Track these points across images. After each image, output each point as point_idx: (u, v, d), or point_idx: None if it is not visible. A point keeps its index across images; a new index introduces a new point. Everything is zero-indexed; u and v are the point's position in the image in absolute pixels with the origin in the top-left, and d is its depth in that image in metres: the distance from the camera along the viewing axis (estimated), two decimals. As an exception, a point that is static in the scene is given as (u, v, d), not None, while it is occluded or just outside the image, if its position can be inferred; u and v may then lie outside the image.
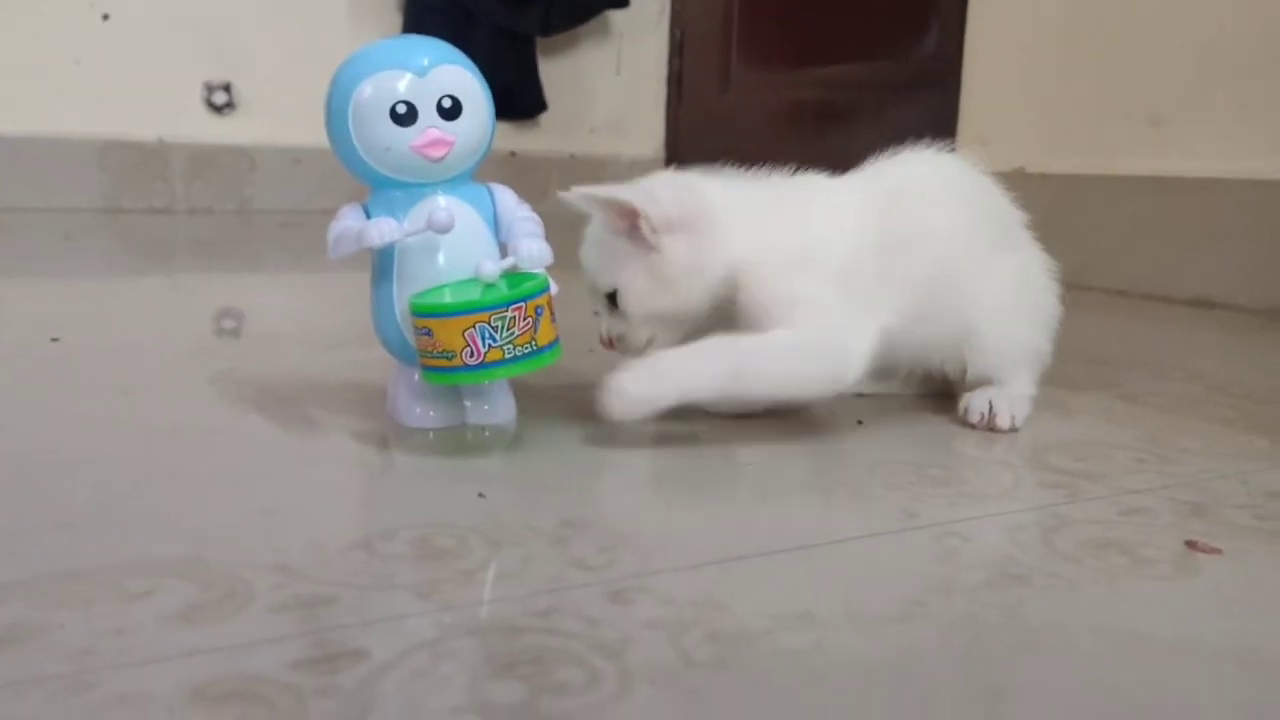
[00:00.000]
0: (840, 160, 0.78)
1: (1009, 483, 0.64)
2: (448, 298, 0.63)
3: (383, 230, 0.64)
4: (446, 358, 0.62)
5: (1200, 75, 1.51)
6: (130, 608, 0.42)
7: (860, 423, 0.76)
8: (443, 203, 0.67)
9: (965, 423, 0.76)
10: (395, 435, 0.69)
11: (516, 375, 0.63)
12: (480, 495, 0.57)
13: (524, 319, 0.62)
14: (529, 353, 0.62)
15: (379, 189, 0.69)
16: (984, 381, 0.77)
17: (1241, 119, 1.48)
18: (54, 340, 0.94)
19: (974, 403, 0.76)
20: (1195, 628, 0.45)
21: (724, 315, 0.71)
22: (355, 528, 0.53)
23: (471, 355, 0.61)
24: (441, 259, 0.67)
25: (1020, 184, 0.81)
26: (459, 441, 0.69)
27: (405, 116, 0.65)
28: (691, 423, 0.73)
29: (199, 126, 2.37)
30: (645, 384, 0.64)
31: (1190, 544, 0.54)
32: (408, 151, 0.65)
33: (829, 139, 2.27)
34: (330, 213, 0.69)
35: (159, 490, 0.58)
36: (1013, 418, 0.75)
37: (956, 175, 0.79)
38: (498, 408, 0.71)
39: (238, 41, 2.38)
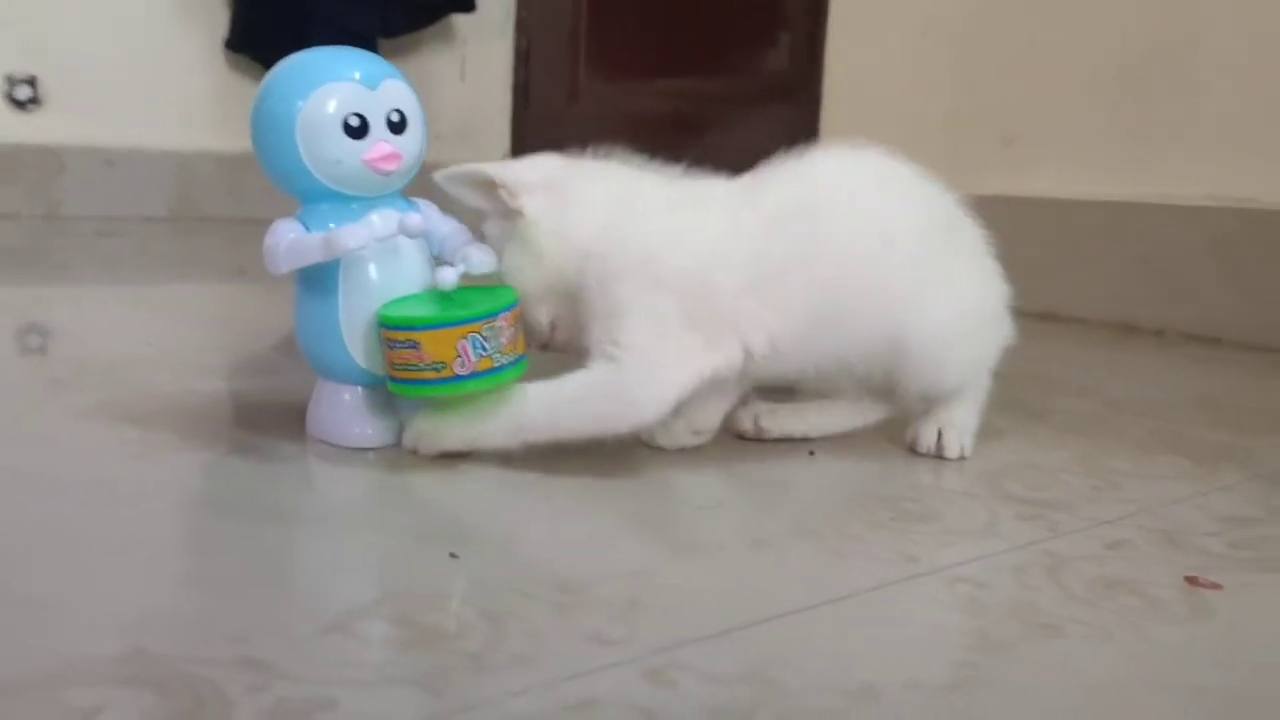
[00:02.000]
0: (689, 170, 0.74)
1: (985, 517, 0.62)
2: (420, 310, 0.62)
3: (357, 234, 0.61)
4: (436, 369, 0.60)
5: (1054, 97, 1.58)
6: (80, 733, 0.34)
7: (812, 453, 0.73)
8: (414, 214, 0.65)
9: (913, 450, 0.74)
10: (322, 471, 0.61)
11: (503, 384, 0.62)
12: (453, 555, 0.51)
13: (509, 327, 0.62)
14: (513, 360, 0.63)
15: (309, 203, 0.65)
16: (923, 399, 0.73)
17: (1092, 142, 1.55)
18: None
19: (922, 433, 0.74)
20: (1239, 675, 0.44)
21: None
22: (319, 602, 0.45)
23: (463, 365, 0.60)
24: (391, 271, 0.65)
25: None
26: (394, 471, 0.61)
27: (358, 129, 0.62)
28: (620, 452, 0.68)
29: (0, 124, 2.14)
30: (433, 440, 0.64)
31: (1190, 580, 0.53)
32: (359, 165, 0.63)
33: (682, 151, 2.26)
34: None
35: (55, 564, 0.48)
36: (961, 447, 0.73)
37: (870, 179, 0.71)
38: None
39: (45, 32, 2.16)
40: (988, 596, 0.50)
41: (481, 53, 2.67)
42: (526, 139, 2.68)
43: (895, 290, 0.68)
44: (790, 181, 0.70)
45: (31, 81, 2.16)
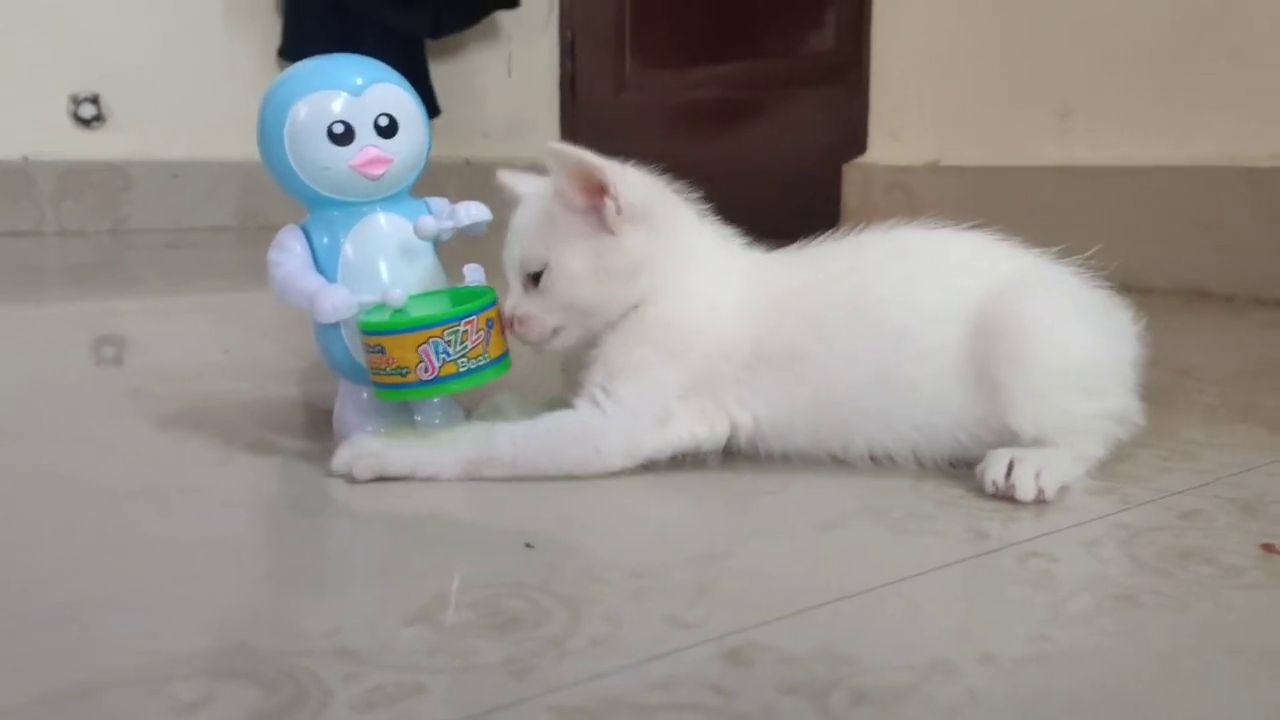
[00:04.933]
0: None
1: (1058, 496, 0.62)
2: (389, 314, 0.63)
3: (336, 306, 0.63)
4: (401, 374, 0.61)
5: (1107, 65, 1.55)
6: (191, 722, 0.36)
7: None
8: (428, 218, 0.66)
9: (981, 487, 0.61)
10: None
11: (471, 388, 0.63)
12: (528, 545, 0.52)
13: (476, 332, 0.62)
14: (482, 365, 0.63)
15: (317, 209, 0.67)
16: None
17: (1147, 108, 1.52)
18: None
19: (992, 462, 0.61)
20: (1321, 640, 0.44)
21: None
22: (403, 594, 0.47)
23: (426, 370, 0.61)
24: (385, 273, 0.66)
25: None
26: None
27: (342, 136, 0.64)
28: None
29: (66, 142, 2.20)
30: (375, 462, 0.61)
31: (1267, 547, 0.53)
32: (346, 171, 0.65)
33: (730, 137, 2.26)
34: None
35: (150, 566, 0.50)
36: (1040, 489, 0.59)
37: (898, 263, 0.66)
38: (449, 419, 0.69)
39: (105, 51, 2.22)
40: (1060, 570, 0.50)
41: (527, 48, 2.69)
42: (576, 132, 2.70)
43: (912, 385, 0.63)
44: (808, 266, 0.67)
45: (95, 100, 2.23)
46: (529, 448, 0.62)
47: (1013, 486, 0.59)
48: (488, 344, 0.63)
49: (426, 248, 0.67)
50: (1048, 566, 0.51)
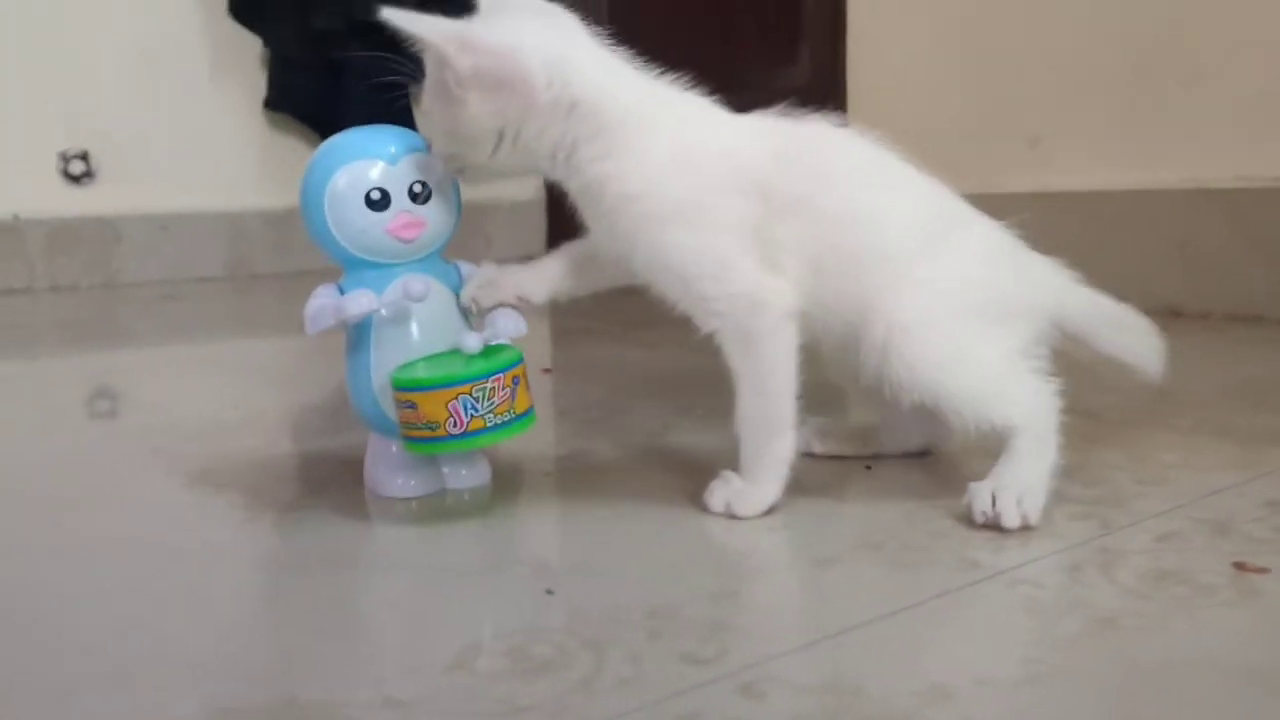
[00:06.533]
0: None
1: (1040, 519, 0.65)
2: (421, 372, 0.66)
3: (360, 302, 0.67)
4: (431, 428, 0.65)
5: (1073, 95, 1.61)
6: (256, 772, 0.39)
7: (868, 467, 0.77)
8: (417, 276, 0.69)
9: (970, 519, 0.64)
10: (416, 524, 0.67)
11: (497, 442, 0.67)
12: (548, 592, 0.55)
13: (503, 389, 0.65)
14: (508, 420, 0.65)
15: (352, 269, 0.72)
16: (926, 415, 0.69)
17: (1113, 135, 1.58)
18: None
19: (975, 497, 0.64)
20: (1288, 653, 0.47)
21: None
22: (439, 643, 0.50)
23: (455, 425, 0.64)
24: (415, 330, 0.70)
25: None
26: (467, 511, 0.67)
27: (379, 202, 0.69)
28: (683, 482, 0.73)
29: (57, 199, 2.23)
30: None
31: (1238, 565, 0.57)
32: (382, 234, 0.69)
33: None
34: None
35: (200, 623, 0.54)
36: (1023, 514, 0.63)
37: (879, 155, 0.71)
38: (474, 471, 0.74)
39: (94, 108, 2.25)
40: (1046, 596, 0.54)
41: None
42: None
43: (878, 267, 0.67)
44: (797, 131, 0.70)
45: (84, 156, 2.26)
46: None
47: (999, 515, 0.63)
48: (514, 400, 0.66)
49: (454, 304, 0.71)
50: (1034, 593, 0.54)
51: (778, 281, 0.66)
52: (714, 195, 0.66)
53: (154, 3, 2.29)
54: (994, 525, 0.63)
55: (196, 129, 2.36)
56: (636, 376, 0.66)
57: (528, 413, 0.67)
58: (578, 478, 0.77)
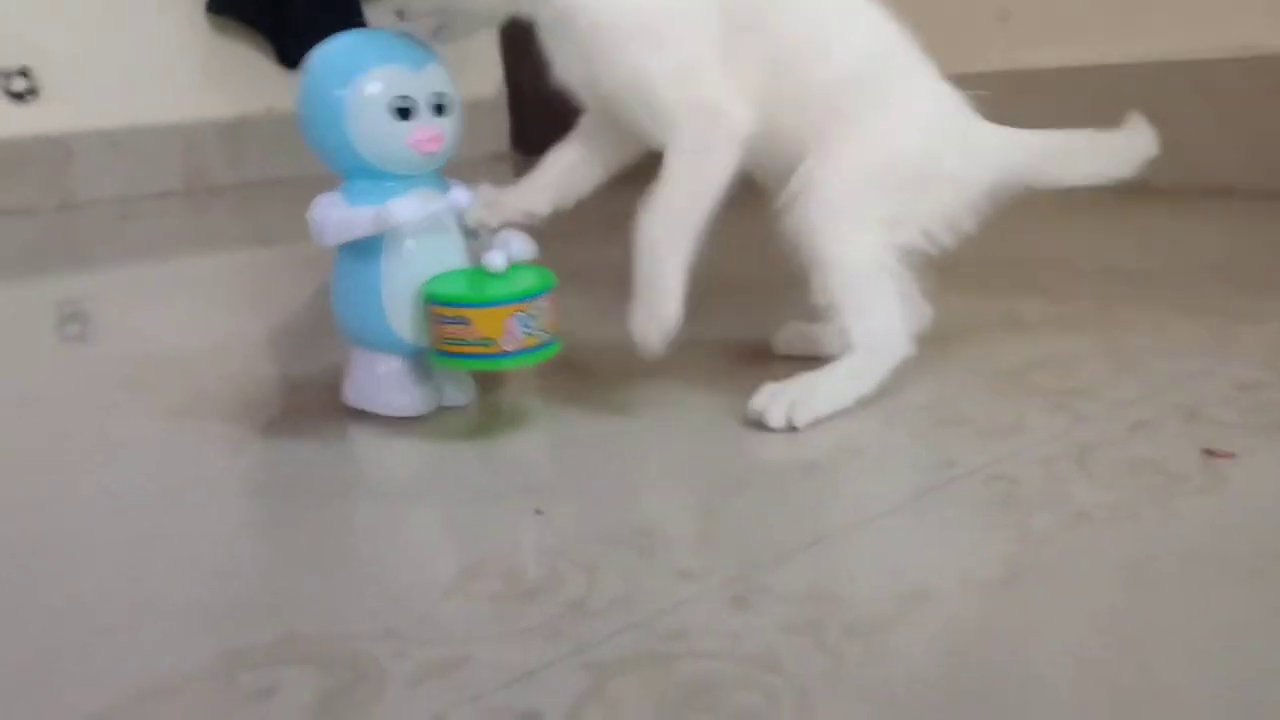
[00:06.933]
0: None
1: (1013, 414, 0.67)
2: (465, 287, 0.66)
3: (409, 208, 0.66)
4: (485, 344, 0.65)
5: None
6: (265, 709, 0.40)
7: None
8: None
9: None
10: (399, 446, 0.67)
11: (542, 361, 0.67)
12: (538, 512, 0.56)
13: (549, 308, 0.66)
14: (550, 339, 0.67)
15: (352, 179, 0.69)
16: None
17: (1084, 7, 1.55)
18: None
19: (760, 394, 0.67)
20: (1258, 539, 0.49)
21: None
22: (432, 570, 0.51)
23: (509, 341, 0.65)
24: (434, 246, 0.69)
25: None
26: (453, 431, 0.67)
27: (405, 112, 0.67)
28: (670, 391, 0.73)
29: (1, 118, 2.16)
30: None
31: (1208, 452, 0.58)
32: (404, 146, 0.67)
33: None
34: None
35: (194, 564, 0.54)
36: (789, 419, 0.65)
37: None
38: (463, 388, 0.74)
39: (29, 21, 2.16)
40: (1022, 491, 0.55)
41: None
42: (518, 70, 2.67)
43: (818, 100, 0.67)
44: None
45: (25, 73, 2.18)
46: (683, 191, 0.65)
47: (763, 414, 0.65)
48: (554, 319, 0.67)
49: (456, 223, 0.71)
50: (1010, 489, 0.56)
51: (740, 102, 0.66)
52: (677, 8, 0.66)
53: (84, -97, 2.18)
54: (759, 423, 0.65)
55: (139, 39, 2.27)
56: (621, 279, 0.66)
57: (557, 336, 0.68)
58: (562, 391, 0.77)
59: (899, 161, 0.69)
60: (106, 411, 0.81)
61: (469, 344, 0.65)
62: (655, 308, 0.65)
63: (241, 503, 0.63)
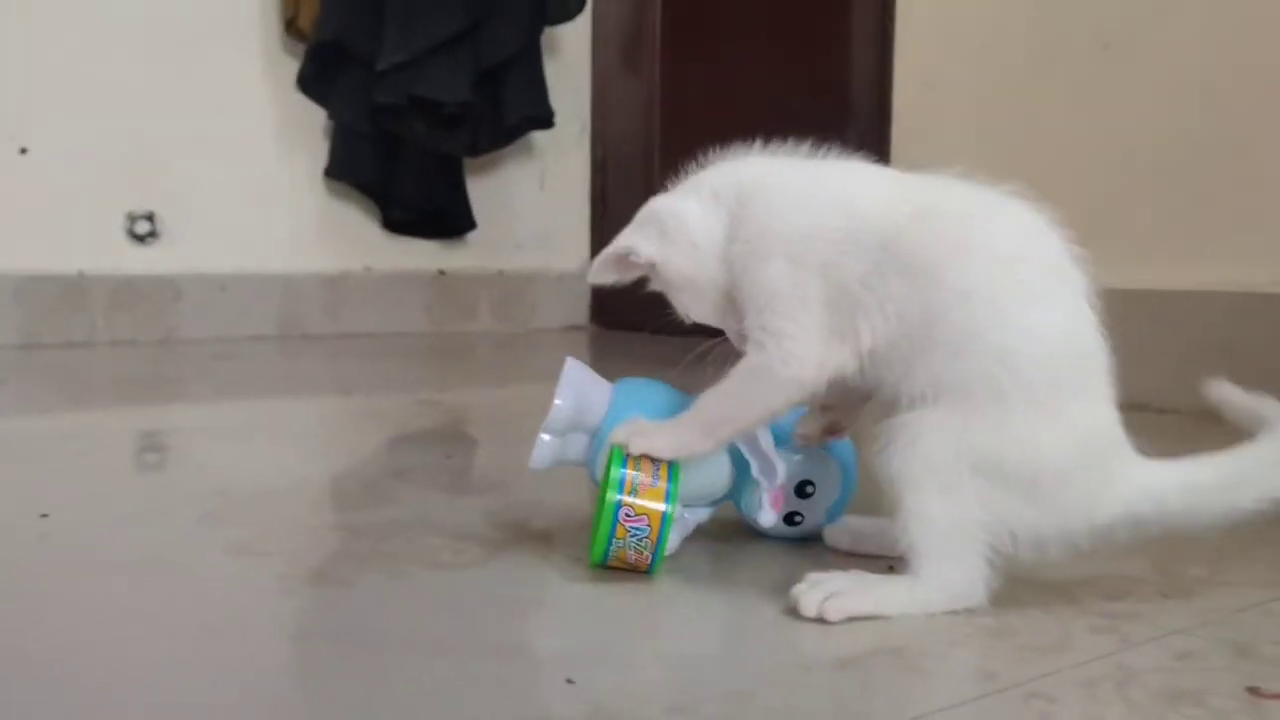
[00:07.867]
0: None
1: (1060, 631, 0.66)
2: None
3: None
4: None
5: (1119, 190, 1.63)
6: None
7: (891, 568, 0.78)
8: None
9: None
10: (450, 599, 0.69)
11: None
12: (569, 681, 0.57)
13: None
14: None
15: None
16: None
17: (1156, 233, 1.59)
18: (43, 516, 0.90)
19: (808, 580, 0.67)
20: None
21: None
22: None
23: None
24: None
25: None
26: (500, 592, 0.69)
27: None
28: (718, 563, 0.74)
29: (121, 257, 2.32)
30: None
31: (1253, 691, 0.57)
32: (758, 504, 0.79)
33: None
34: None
35: (235, 701, 0.56)
36: (821, 610, 0.65)
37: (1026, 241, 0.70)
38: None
39: (160, 168, 2.35)
40: (1059, 711, 0.55)
41: (560, 164, 2.81)
42: (606, 242, 2.79)
43: (986, 373, 0.65)
44: (931, 185, 0.71)
45: (150, 217, 2.35)
46: (729, 403, 0.71)
47: (797, 599, 0.66)
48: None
49: None
50: (1048, 708, 0.55)
51: (830, 351, 0.68)
52: (825, 239, 0.68)
53: (225, 72, 2.40)
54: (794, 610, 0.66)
55: (259, 194, 2.45)
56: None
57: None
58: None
59: (1022, 462, 0.65)
60: (167, 538, 0.84)
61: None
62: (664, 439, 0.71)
63: (281, 645, 0.65)
